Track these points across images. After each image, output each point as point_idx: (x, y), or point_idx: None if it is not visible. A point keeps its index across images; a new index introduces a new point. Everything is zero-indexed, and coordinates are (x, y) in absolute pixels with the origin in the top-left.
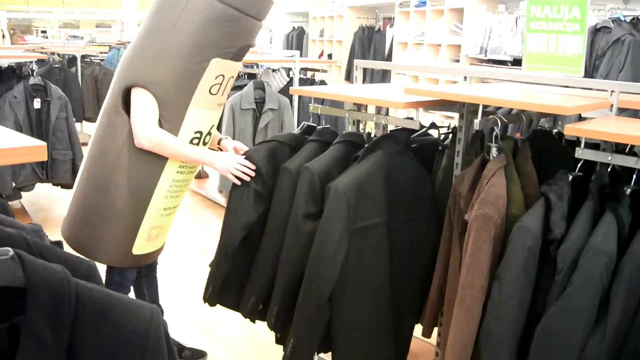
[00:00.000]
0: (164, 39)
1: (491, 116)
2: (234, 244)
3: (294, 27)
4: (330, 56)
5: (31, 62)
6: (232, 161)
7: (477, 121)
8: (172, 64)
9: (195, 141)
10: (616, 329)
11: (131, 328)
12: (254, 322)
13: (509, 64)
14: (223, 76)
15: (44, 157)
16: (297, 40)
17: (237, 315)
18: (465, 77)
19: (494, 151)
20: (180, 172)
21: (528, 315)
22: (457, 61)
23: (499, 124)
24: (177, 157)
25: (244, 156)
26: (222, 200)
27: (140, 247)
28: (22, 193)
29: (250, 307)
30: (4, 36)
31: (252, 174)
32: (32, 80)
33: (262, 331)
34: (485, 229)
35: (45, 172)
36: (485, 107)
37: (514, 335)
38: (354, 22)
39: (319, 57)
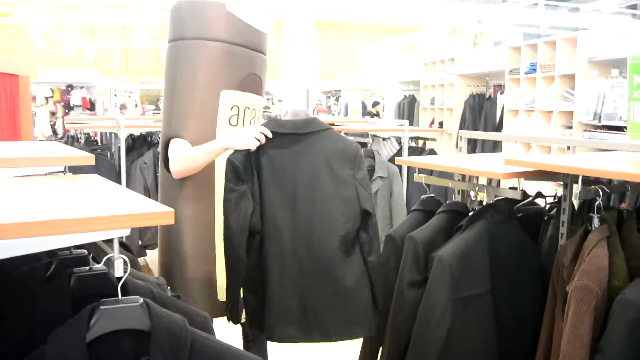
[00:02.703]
0: (178, 92)
1: (593, 186)
2: None
3: (405, 96)
4: (441, 124)
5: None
6: (251, 131)
7: (577, 191)
8: (192, 108)
9: None
10: None
11: None
12: None
13: (625, 130)
14: (238, 107)
15: (171, 221)
16: (408, 108)
17: None
18: (568, 147)
19: (595, 222)
20: None
21: None
22: (570, 127)
23: (601, 194)
24: (204, 158)
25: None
26: None
27: (222, 293)
28: (147, 251)
29: None
30: (136, 105)
31: (269, 135)
32: None
33: None
34: (585, 301)
35: None
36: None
37: None
38: (464, 89)
39: (430, 125)
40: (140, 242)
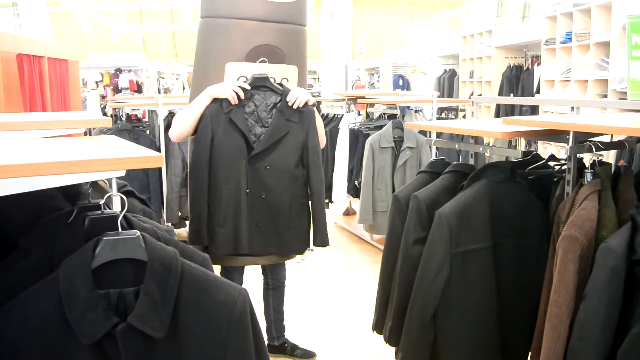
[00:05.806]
0: (195, 67)
1: (586, 142)
2: None
3: (445, 70)
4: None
5: None
6: (230, 85)
7: (569, 147)
8: (201, 79)
9: None
10: None
11: (221, 300)
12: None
13: None
14: (246, 77)
15: (160, 164)
16: (448, 82)
17: (359, 331)
18: (572, 108)
19: (588, 176)
20: None
21: (617, 338)
22: (605, 96)
23: (594, 150)
24: (192, 114)
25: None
26: (368, 236)
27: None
28: (187, 222)
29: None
30: (184, 88)
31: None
32: None
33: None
34: (570, 250)
35: None
36: (591, 135)
37: (598, 355)
38: (502, 62)
39: (469, 97)
40: (179, 214)
